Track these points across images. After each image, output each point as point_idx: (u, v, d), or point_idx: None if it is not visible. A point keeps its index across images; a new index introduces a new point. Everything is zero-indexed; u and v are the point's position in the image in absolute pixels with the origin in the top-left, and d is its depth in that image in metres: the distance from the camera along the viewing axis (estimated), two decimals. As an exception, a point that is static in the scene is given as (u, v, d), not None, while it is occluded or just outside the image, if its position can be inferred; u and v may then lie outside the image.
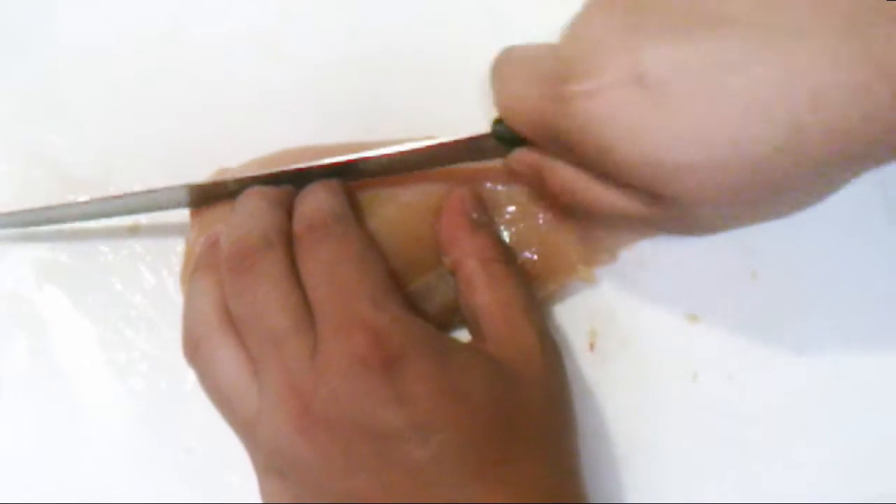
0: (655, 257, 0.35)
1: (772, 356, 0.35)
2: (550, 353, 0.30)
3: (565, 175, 0.29)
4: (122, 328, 0.35)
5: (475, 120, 0.36)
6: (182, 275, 0.35)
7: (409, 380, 0.26)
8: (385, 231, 0.33)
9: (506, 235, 0.34)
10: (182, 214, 0.36)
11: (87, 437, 0.34)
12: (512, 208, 0.34)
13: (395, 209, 0.34)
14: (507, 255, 0.32)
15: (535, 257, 0.34)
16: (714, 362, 0.35)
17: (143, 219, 0.36)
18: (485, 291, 0.30)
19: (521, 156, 0.31)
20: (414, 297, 0.33)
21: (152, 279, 0.36)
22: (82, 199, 0.34)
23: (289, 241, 0.30)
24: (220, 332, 0.29)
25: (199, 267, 0.32)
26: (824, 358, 0.35)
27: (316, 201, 0.31)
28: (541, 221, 0.34)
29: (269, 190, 0.32)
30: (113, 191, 0.36)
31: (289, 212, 0.32)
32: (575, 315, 0.35)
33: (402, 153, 0.32)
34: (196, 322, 0.30)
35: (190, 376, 0.34)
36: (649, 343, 0.35)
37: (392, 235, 0.33)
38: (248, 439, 0.28)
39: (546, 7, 0.39)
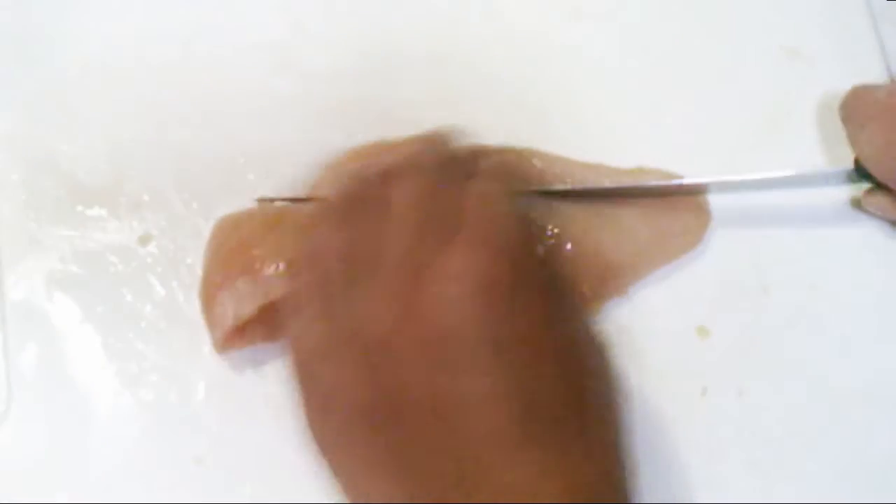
0: (667, 272, 0.35)
1: (782, 372, 0.35)
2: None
3: None
4: (133, 339, 0.35)
5: (484, 126, 0.36)
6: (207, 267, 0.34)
7: (522, 309, 0.27)
8: None
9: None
10: (193, 226, 0.36)
11: (98, 447, 0.34)
12: (551, 243, 0.35)
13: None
14: None
15: None
16: (724, 377, 0.35)
17: (153, 229, 0.36)
18: None
19: (874, 198, 0.35)
20: None
21: (162, 290, 0.36)
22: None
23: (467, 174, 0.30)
24: (372, 191, 0.29)
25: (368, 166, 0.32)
26: (835, 374, 0.35)
27: (505, 162, 0.33)
28: (568, 248, 0.34)
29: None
30: (124, 203, 0.36)
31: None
32: (585, 329, 0.35)
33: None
34: (357, 179, 0.30)
35: (199, 387, 0.35)
36: (659, 357, 0.35)
37: None
38: (326, 309, 0.28)
39: (558, 19, 0.39)
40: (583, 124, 0.38)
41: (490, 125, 0.37)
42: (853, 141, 0.34)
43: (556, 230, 0.35)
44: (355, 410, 0.27)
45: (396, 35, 0.38)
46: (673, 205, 0.36)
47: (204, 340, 0.34)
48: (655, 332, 0.35)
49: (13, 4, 0.39)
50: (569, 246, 0.34)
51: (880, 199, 0.35)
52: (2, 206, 0.36)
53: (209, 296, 0.33)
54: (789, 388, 0.35)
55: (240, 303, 0.33)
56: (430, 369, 0.26)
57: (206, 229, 0.35)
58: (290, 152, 0.36)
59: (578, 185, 0.36)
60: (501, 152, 0.35)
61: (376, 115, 0.37)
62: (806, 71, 0.39)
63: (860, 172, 0.34)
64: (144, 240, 0.36)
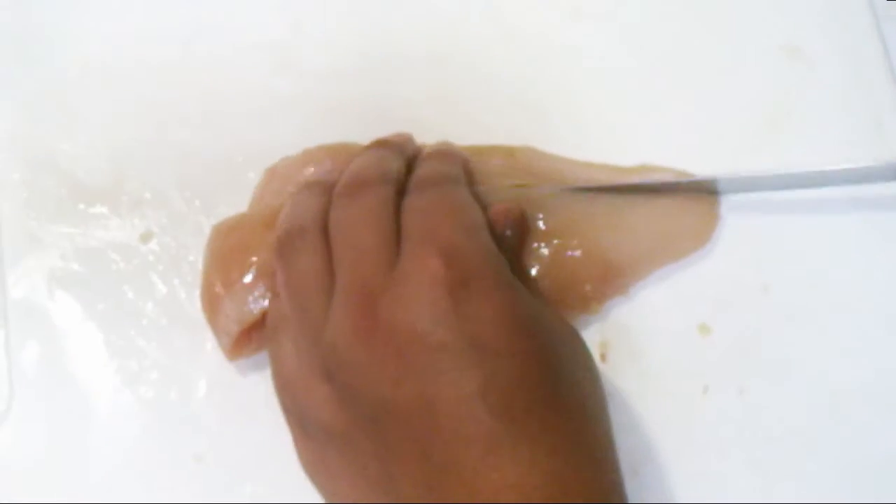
0: (668, 270, 0.35)
1: (783, 370, 0.35)
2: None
3: None
4: (134, 336, 0.35)
5: (486, 130, 0.37)
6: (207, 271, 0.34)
7: (477, 302, 0.27)
8: None
9: (532, 263, 0.34)
10: (194, 224, 0.36)
11: (98, 444, 0.34)
12: (556, 241, 0.34)
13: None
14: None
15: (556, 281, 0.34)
16: (725, 376, 0.35)
17: (154, 227, 0.36)
18: None
19: None
20: None
21: (164, 288, 0.36)
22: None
23: (402, 188, 0.31)
24: (315, 234, 0.30)
25: (308, 185, 0.33)
26: (836, 373, 0.35)
27: (437, 164, 0.33)
28: (569, 254, 0.34)
29: (397, 142, 0.35)
30: (126, 201, 0.36)
31: (409, 166, 0.33)
32: (587, 327, 0.35)
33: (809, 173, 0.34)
34: (296, 221, 0.31)
35: (200, 385, 0.35)
36: (660, 355, 0.35)
37: None
38: (311, 338, 0.29)
39: (558, 18, 0.39)
40: (583, 124, 0.38)
41: (490, 125, 0.37)
42: None
43: (545, 223, 0.34)
44: (331, 434, 0.28)
45: (396, 35, 0.39)
46: (680, 205, 0.36)
47: (205, 339, 0.34)
48: (656, 331, 0.35)
49: (13, 4, 0.39)
50: (574, 242, 0.34)
51: None
52: (3, 204, 0.37)
53: (211, 302, 0.33)
54: (790, 386, 0.35)
55: (242, 307, 0.33)
56: (395, 382, 0.26)
57: (208, 227, 0.35)
58: (290, 151, 0.36)
59: (581, 184, 0.35)
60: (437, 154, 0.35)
61: (376, 115, 0.37)
62: (807, 70, 0.39)
63: None
64: (146, 237, 0.36)
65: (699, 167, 0.36)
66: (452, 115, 0.37)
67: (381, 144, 0.34)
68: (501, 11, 0.39)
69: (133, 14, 0.39)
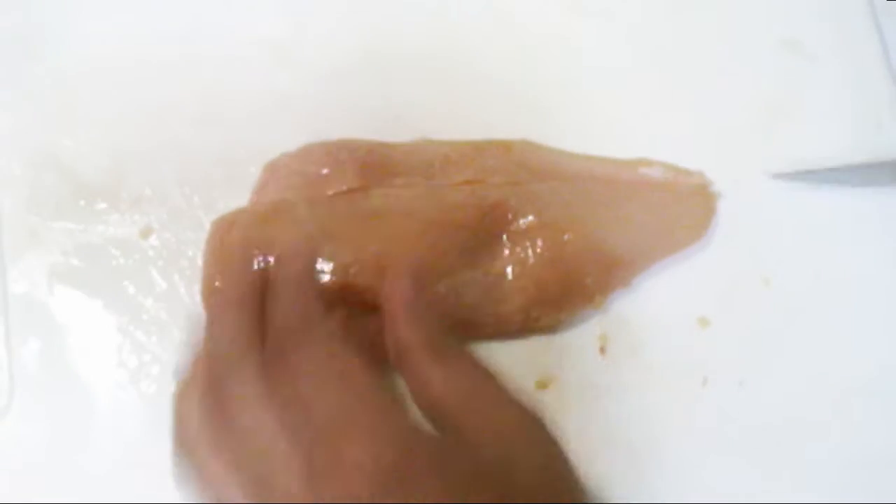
0: (668, 263, 0.35)
1: (782, 362, 0.35)
2: (529, 424, 0.29)
3: None
4: (134, 331, 0.35)
5: (485, 124, 0.37)
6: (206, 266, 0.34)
7: (404, 488, 0.25)
8: (406, 240, 0.33)
9: (531, 256, 0.34)
10: (194, 220, 0.36)
11: (99, 439, 0.35)
12: (540, 240, 0.34)
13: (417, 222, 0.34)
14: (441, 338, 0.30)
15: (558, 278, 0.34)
16: (724, 367, 0.35)
17: (154, 223, 0.36)
18: (436, 384, 0.29)
19: None
20: (440, 297, 0.33)
21: (164, 283, 0.36)
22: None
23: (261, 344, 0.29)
24: (211, 452, 0.28)
25: (186, 382, 0.30)
26: (835, 366, 0.35)
27: (287, 305, 0.30)
28: (567, 248, 0.34)
29: (236, 291, 0.31)
30: (126, 197, 0.36)
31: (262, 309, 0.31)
32: (586, 319, 0.35)
33: None
34: (184, 441, 0.29)
35: (201, 380, 0.35)
36: (660, 347, 0.35)
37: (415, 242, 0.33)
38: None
39: (558, 14, 0.39)
40: (583, 119, 0.38)
41: (490, 121, 0.37)
42: None
43: (540, 216, 0.34)
44: None
45: (396, 32, 0.39)
46: (678, 196, 0.36)
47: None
48: (656, 323, 0.35)
49: (16, 2, 0.39)
50: (566, 236, 0.34)
51: None
52: (4, 200, 0.37)
53: (212, 297, 0.33)
54: (790, 379, 0.35)
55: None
56: None
57: (207, 222, 0.35)
58: (289, 147, 0.36)
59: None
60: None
61: (376, 112, 0.37)
62: (806, 66, 0.39)
63: None
64: (146, 233, 0.36)
65: (697, 162, 0.36)
66: (452, 112, 0.38)
67: (222, 314, 0.31)
68: (502, 9, 0.39)
69: (134, 12, 0.39)
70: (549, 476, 0.28)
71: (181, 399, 0.30)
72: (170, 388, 0.34)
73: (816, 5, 0.40)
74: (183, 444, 0.30)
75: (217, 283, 0.33)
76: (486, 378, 0.29)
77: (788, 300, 0.35)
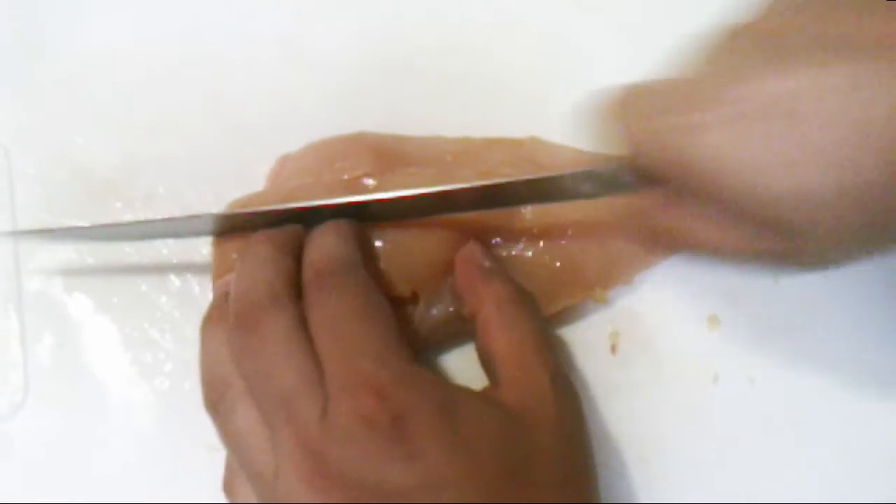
0: (677, 260, 0.35)
1: (793, 361, 0.35)
2: (564, 395, 0.30)
3: (684, 214, 0.29)
4: (148, 329, 0.36)
5: (492, 122, 0.37)
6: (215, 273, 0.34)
7: (417, 437, 0.26)
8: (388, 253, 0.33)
9: (529, 252, 0.34)
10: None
11: (113, 435, 0.35)
12: (535, 230, 0.34)
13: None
14: (521, 296, 0.32)
15: (557, 265, 0.34)
16: (735, 366, 0.35)
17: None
18: (499, 335, 0.30)
19: (642, 198, 0.30)
20: (414, 316, 0.33)
21: (177, 281, 0.36)
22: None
23: (297, 291, 0.30)
24: (235, 388, 0.29)
25: (211, 318, 0.31)
26: (846, 363, 0.35)
27: (325, 247, 0.31)
28: (564, 242, 0.34)
29: (276, 234, 0.32)
30: (139, 195, 0.37)
31: (297, 255, 0.31)
32: (597, 317, 0.35)
33: (491, 185, 0.31)
34: (211, 379, 0.30)
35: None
36: (670, 345, 0.35)
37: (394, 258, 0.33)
38: (268, 494, 0.28)
39: (564, 12, 0.39)
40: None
41: (497, 118, 0.37)
42: (628, 133, 0.29)
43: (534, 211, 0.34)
44: None
45: (404, 28, 0.39)
46: None
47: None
48: (666, 321, 0.35)
49: (27, 0, 0.39)
50: (569, 232, 0.34)
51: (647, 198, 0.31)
52: (18, 198, 0.37)
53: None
54: (800, 377, 0.35)
55: None
56: None
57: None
58: (300, 144, 0.36)
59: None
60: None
61: (385, 108, 0.37)
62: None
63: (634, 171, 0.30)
64: (159, 231, 0.36)
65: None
66: (460, 108, 0.38)
67: (258, 245, 0.31)
68: (509, 5, 0.39)
69: (144, 8, 0.39)
70: (566, 447, 0.29)
71: (208, 336, 0.31)
72: (183, 385, 0.35)
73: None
74: (209, 395, 0.30)
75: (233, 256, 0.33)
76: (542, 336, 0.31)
77: (799, 298, 0.35)
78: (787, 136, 0.25)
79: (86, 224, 0.37)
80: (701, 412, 0.34)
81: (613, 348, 0.35)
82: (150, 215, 0.37)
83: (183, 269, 0.36)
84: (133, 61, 0.38)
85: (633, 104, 0.29)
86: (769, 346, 0.35)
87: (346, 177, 0.34)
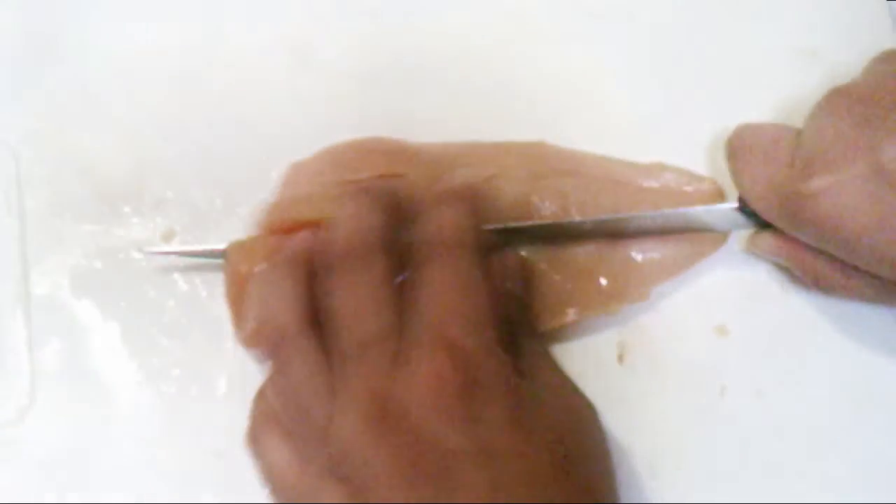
0: (686, 271, 0.35)
1: (801, 372, 0.35)
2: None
3: (806, 259, 0.32)
4: (155, 334, 0.36)
5: (504, 127, 0.37)
6: (228, 295, 0.34)
7: (484, 404, 0.27)
8: None
9: (545, 262, 0.34)
10: (216, 223, 0.36)
11: (120, 440, 0.35)
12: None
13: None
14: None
15: (574, 276, 0.34)
16: (742, 377, 0.35)
17: (176, 226, 0.36)
18: None
19: (762, 241, 0.34)
20: None
21: (185, 286, 0.36)
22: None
23: (392, 246, 0.30)
24: (301, 334, 0.30)
25: (277, 262, 0.32)
26: (854, 374, 0.35)
27: (454, 216, 0.31)
28: (579, 256, 0.34)
29: (379, 189, 0.33)
30: (148, 200, 0.37)
31: (398, 212, 0.32)
32: (604, 327, 0.35)
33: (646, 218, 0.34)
34: (275, 318, 0.30)
35: (220, 382, 0.35)
36: (678, 356, 0.35)
37: None
38: (312, 442, 0.28)
39: (575, 19, 0.39)
40: (600, 122, 0.38)
41: (509, 123, 0.37)
42: (737, 179, 0.33)
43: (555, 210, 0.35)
44: None
45: (416, 34, 0.39)
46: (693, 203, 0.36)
47: (225, 336, 0.35)
48: (674, 332, 0.35)
49: (37, 3, 0.39)
50: (591, 248, 0.35)
51: (768, 241, 0.33)
52: (27, 202, 0.37)
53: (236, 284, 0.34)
54: (809, 389, 0.35)
55: None
56: (410, 484, 0.26)
57: (229, 226, 0.35)
58: (311, 150, 0.36)
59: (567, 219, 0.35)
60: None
61: (397, 114, 0.37)
62: (824, 73, 0.39)
63: (745, 212, 0.33)
64: (167, 236, 0.36)
65: (714, 167, 0.36)
66: (472, 113, 0.38)
67: (358, 196, 0.32)
68: (520, 11, 0.39)
69: (156, 13, 0.39)
70: (605, 458, 0.30)
71: (258, 444, 0.31)
72: (190, 390, 0.35)
73: (835, 15, 0.39)
74: (284, 488, 0.30)
75: (243, 269, 0.33)
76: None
77: (807, 309, 0.35)
78: None
79: (98, 228, 0.36)
80: (708, 423, 0.34)
81: (621, 358, 0.35)
82: (160, 220, 0.37)
83: (190, 274, 0.36)
84: (144, 66, 0.38)
85: (744, 150, 0.32)
86: (777, 358, 0.35)
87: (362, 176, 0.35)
